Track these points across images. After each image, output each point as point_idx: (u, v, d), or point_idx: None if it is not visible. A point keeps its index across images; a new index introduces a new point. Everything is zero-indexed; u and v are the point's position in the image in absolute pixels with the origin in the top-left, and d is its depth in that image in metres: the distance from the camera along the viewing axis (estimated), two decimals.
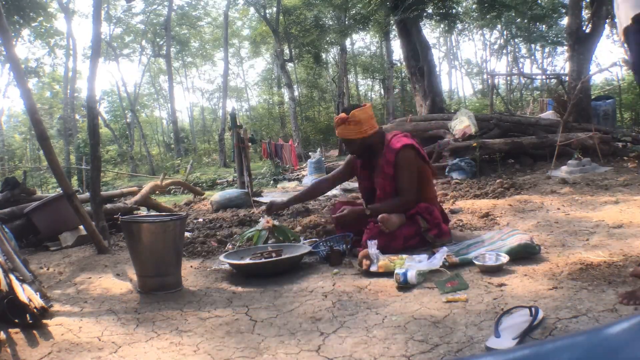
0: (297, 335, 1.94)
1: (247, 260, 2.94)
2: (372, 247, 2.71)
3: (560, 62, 24.54)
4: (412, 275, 2.37)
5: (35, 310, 2.10)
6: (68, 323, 2.18)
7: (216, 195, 6.16)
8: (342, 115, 3.18)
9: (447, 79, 37.43)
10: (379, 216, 2.97)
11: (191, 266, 3.17)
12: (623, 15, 1.81)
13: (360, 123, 3.14)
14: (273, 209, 3.61)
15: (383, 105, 25.37)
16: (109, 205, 4.86)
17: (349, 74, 26.63)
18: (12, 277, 2.23)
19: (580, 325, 1.76)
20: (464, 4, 15.69)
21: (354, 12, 18.09)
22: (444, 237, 3.11)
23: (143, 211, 5.49)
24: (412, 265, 2.55)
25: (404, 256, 2.68)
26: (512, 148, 7.05)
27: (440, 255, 2.63)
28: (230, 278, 2.85)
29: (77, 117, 23.07)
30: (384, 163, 3.15)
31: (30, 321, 2.08)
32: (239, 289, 2.63)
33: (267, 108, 30.40)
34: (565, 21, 12.92)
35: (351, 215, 3.17)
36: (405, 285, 2.37)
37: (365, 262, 2.66)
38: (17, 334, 2.02)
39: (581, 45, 8.23)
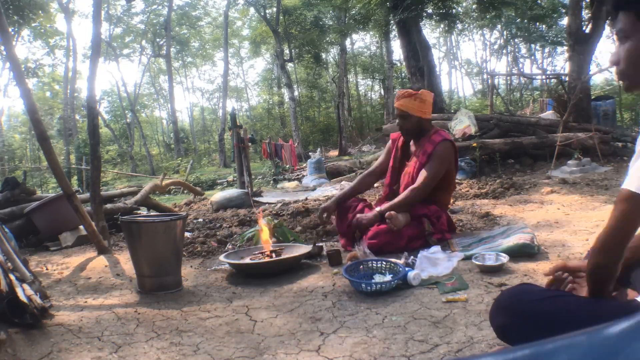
0: (297, 335, 1.94)
1: (247, 260, 2.94)
2: (364, 246, 2.75)
3: (560, 62, 24.55)
4: (411, 276, 2.37)
5: (35, 310, 2.10)
6: (68, 323, 2.18)
7: (216, 195, 6.16)
8: (411, 90, 3.24)
9: (447, 79, 37.43)
10: (387, 213, 2.99)
11: (191, 266, 3.17)
12: None
13: (424, 103, 3.22)
14: (329, 213, 3.35)
15: (383, 105, 25.36)
16: (109, 205, 4.86)
17: (349, 74, 26.65)
18: (12, 277, 2.23)
19: None
20: (464, 4, 15.70)
21: (354, 12, 18.09)
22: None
23: (143, 211, 5.49)
24: (425, 267, 2.53)
25: (397, 262, 2.67)
26: (512, 148, 7.04)
27: (456, 260, 2.62)
28: (230, 278, 2.85)
29: (77, 117, 23.07)
30: (420, 153, 3.21)
31: (30, 321, 2.08)
32: (239, 289, 2.63)
33: (267, 108, 30.40)
34: (565, 21, 12.92)
35: (365, 223, 3.07)
36: (405, 284, 2.37)
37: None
38: (17, 334, 2.01)
39: (581, 45, 8.23)
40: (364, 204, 3.37)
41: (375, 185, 4.72)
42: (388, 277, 2.41)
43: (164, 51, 26.16)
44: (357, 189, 3.56)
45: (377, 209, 3.11)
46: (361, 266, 2.58)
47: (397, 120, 3.37)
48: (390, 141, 3.55)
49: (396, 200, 3.11)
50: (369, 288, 2.31)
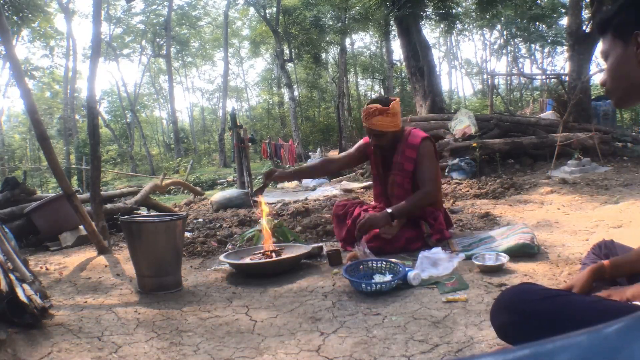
0: (297, 335, 1.94)
1: (247, 260, 2.94)
2: (364, 246, 2.76)
3: (560, 62, 24.58)
4: (411, 276, 2.36)
5: (35, 310, 2.10)
6: (68, 323, 2.18)
7: (216, 195, 6.15)
8: (378, 106, 3.03)
9: (447, 79, 37.49)
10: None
11: (191, 266, 3.17)
12: None
13: (396, 116, 3.06)
14: (274, 176, 3.27)
15: None
16: (109, 205, 4.86)
17: (349, 74, 26.65)
18: (12, 277, 2.23)
19: None
20: (464, 4, 15.70)
21: (353, 12, 18.10)
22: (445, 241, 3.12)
23: (143, 211, 5.49)
24: (426, 267, 2.53)
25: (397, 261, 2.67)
26: (512, 148, 7.05)
27: (457, 260, 2.62)
28: (230, 278, 2.85)
29: (77, 117, 23.08)
30: (403, 160, 3.09)
31: (30, 321, 2.08)
32: (239, 289, 2.63)
33: (267, 108, 30.41)
34: (565, 21, 12.93)
35: (376, 225, 2.90)
36: (405, 284, 2.37)
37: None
38: (17, 334, 2.01)
39: (581, 45, 8.23)
40: (360, 208, 3.30)
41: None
42: (388, 277, 2.41)
43: (164, 51, 26.17)
44: (317, 170, 3.56)
45: (388, 210, 2.94)
46: (361, 266, 2.58)
47: (371, 139, 3.17)
48: (363, 143, 3.37)
49: (407, 203, 2.96)
50: (369, 288, 2.31)
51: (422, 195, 3.00)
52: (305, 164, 3.55)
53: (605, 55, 1.12)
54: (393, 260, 2.57)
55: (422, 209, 3.07)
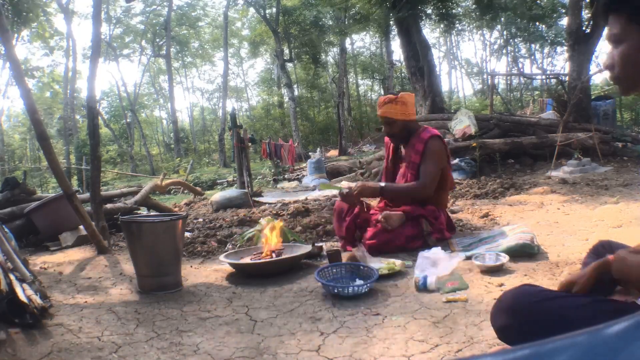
0: (297, 335, 1.94)
1: (247, 260, 2.94)
2: (364, 248, 2.79)
3: (560, 62, 24.54)
4: (432, 281, 2.32)
5: (35, 310, 2.09)
6: (68, 323, 2.18)
7: (216, 195, 6.15)
8: (391, 95, 3.26)
9: (447, 79, 37.40)
10: (383, 213, 3.00)
11: (191, 266, 3.17)
12: None
13: (406, 105, 3.23)
14: (364, 194, 3.16)
15: None
16: (109, 205, 4.86)
17: (349, 74, 26.65)
18: (12, 277, 2.23)
19: None
20: (464, 4, 15.70)
21: (353, 12, 18.10)
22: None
23: (143, 211, 5.49)
24: (426, 267, 2.53)
25: (397, 262, 2.67)
26: (512, 148, 7.04)
27: (457, 260, 2.62)
28: (230, 278, 2.85)
29: (77, 117, 23.07)
30: (411, 152, 3.22)
31: (30, 321, 2.08)
32: (239, 289, 2.63)
33: (266, 108, 30.40)
34: (565, 21, 12.92)
35: (364, 191, 3.11)
36: (424, 290, 2.33)
37: None
38: (17, 334, 2.01)
39: (581, 45, 8.23)
40: (361, 207, 3.34)
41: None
42: (360, 282, 2.43)
43: (163, 51, 26.16)
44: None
45: (381, 183, 3.18)
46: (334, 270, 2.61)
47: (382, 128, 3.38)
48: (384, 148, 3.60)
49: (399, 186, 3.16)
50: (346, 292, 2.32)
51: (415, 186, 3.11)
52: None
53: (615, 39, 1.01)
54: (363, 264, 2.61)
55: (417, 203, 3.12)
